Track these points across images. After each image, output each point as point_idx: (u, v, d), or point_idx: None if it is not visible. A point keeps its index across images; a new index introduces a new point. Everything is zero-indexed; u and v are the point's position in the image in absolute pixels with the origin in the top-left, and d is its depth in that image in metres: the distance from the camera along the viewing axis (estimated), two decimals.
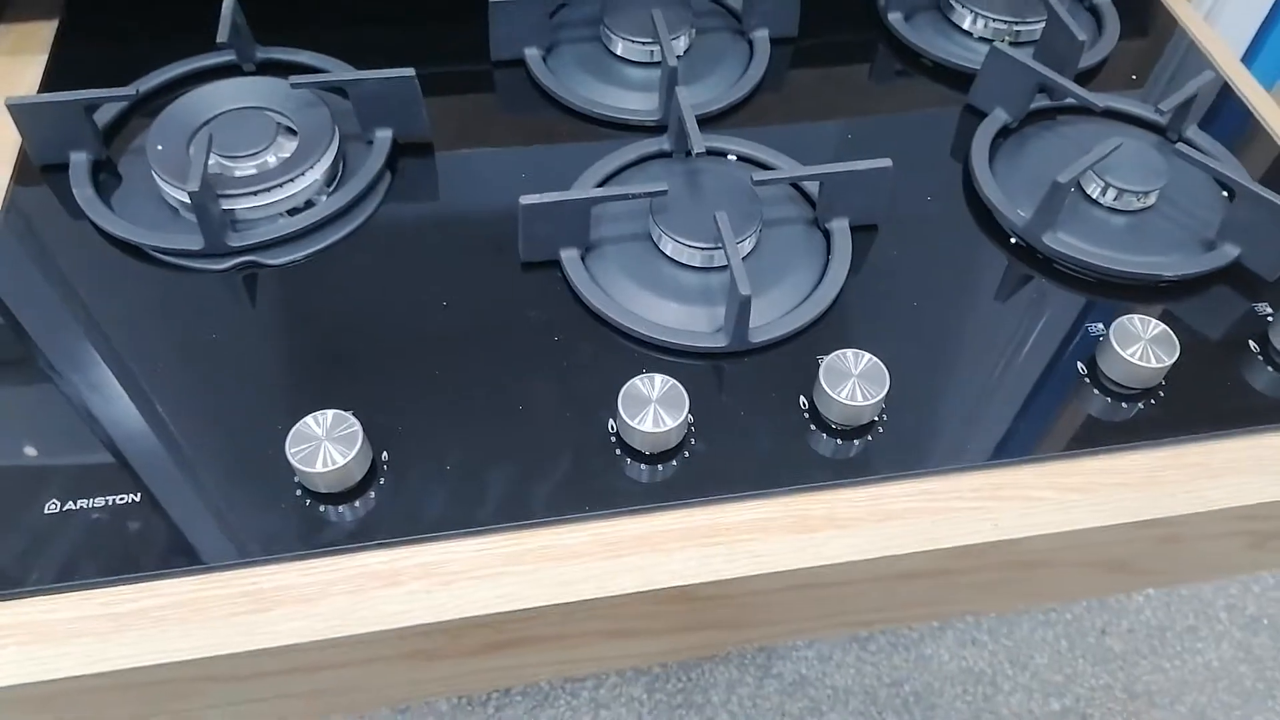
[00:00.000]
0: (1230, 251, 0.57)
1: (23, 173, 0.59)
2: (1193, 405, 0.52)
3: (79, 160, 0.58)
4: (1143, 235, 0.58)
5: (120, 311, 0.54)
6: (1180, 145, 0.58)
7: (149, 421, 0.49)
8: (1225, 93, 0.69)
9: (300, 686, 0.46)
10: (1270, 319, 0.54)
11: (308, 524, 0.46)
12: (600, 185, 0.59)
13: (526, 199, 0.53)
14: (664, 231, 0.55)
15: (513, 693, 1.25)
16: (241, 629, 0.43)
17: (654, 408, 0.48)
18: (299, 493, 0.47)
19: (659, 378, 0.48)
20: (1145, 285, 0.57)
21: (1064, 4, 0.66)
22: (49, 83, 0.65)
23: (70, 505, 0.46)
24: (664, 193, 0.55)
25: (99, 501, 0.46)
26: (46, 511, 0.46)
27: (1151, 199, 0.59)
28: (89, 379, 0.51)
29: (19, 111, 0.56)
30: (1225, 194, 0.60)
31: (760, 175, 0.56)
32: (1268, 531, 0.51)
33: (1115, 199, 0.59)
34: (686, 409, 0.48)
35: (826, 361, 0.50)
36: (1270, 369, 0.54)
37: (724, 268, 0.55)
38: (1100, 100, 0.61)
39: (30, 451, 0.48)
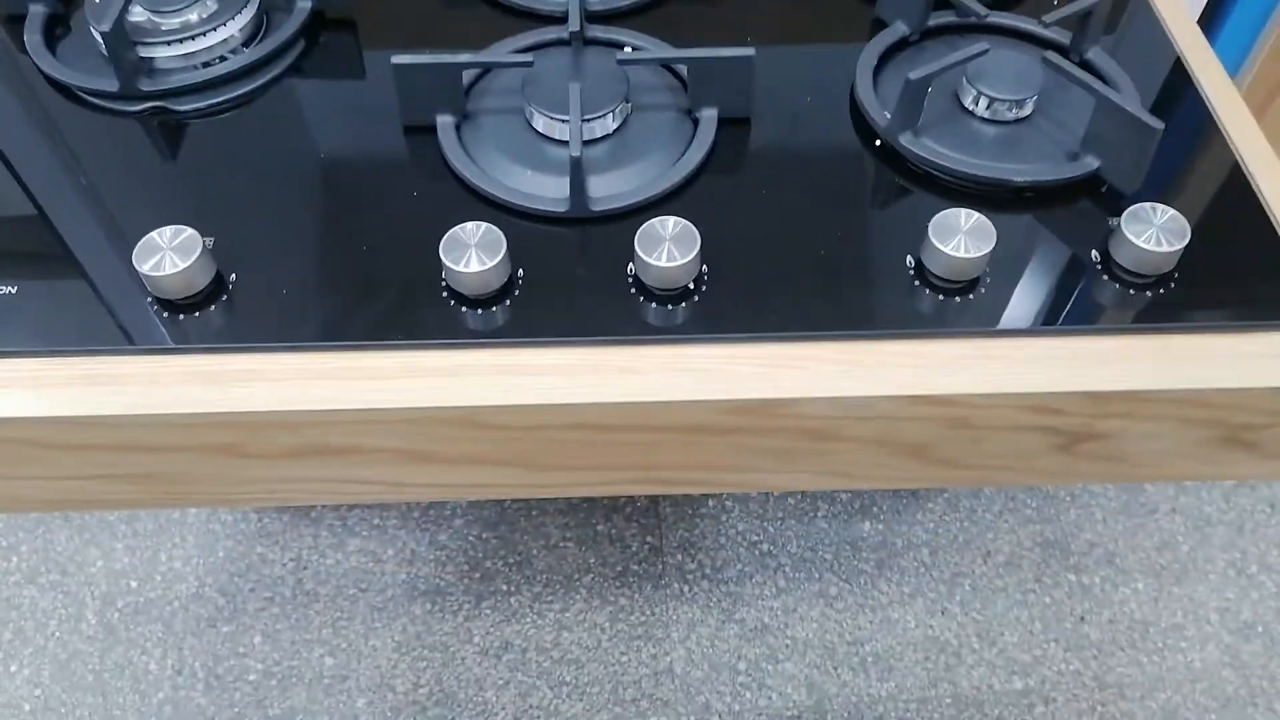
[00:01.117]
0: (1091, 163, 0.56)
1: None
2: (1017, 304, 0.52)
3: (36, 11, 0.65)
4: (1013, 145, 0.58)
5: (44, 140, 0.60)
6: (1050, 54, 0.58)
7: (38, 228, 0.55)
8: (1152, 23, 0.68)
9: (130, 467, 0.52)
10: (1112, 230, 0.54)
11: (152, 325, 0.51)
12: None
13: (399, 59, 0.57)
14: (530, 104, 0.58)
15: (482, 605, 1.30)
16: (74, 400, 0.49)
17: (473, 251, 0.51)
18: (149, 299, 0.52)
19: (475, 224, 0.52)
20: (999, 190, 0.57)
21: None
22: None
23: None
24: (529, 64, 0.58)
25: None
26: None
27: (1026, 109, 0.59)
28: (14, 189, 0.57)
29: None
30: None
31: (625, 57, 0.59)
32: (1072, 431, 0.51)
33: (988, 108, 0.59)
34: (503, 253, 0.51)
35: (643, 228, 0.52)
36: (1106, 278, 0.53)
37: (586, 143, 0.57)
38: (986, 12, 0.61)
39: None
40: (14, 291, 0.53)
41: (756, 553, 1.35)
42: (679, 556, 1.36)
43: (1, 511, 0.51)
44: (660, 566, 1.35)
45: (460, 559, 1.37)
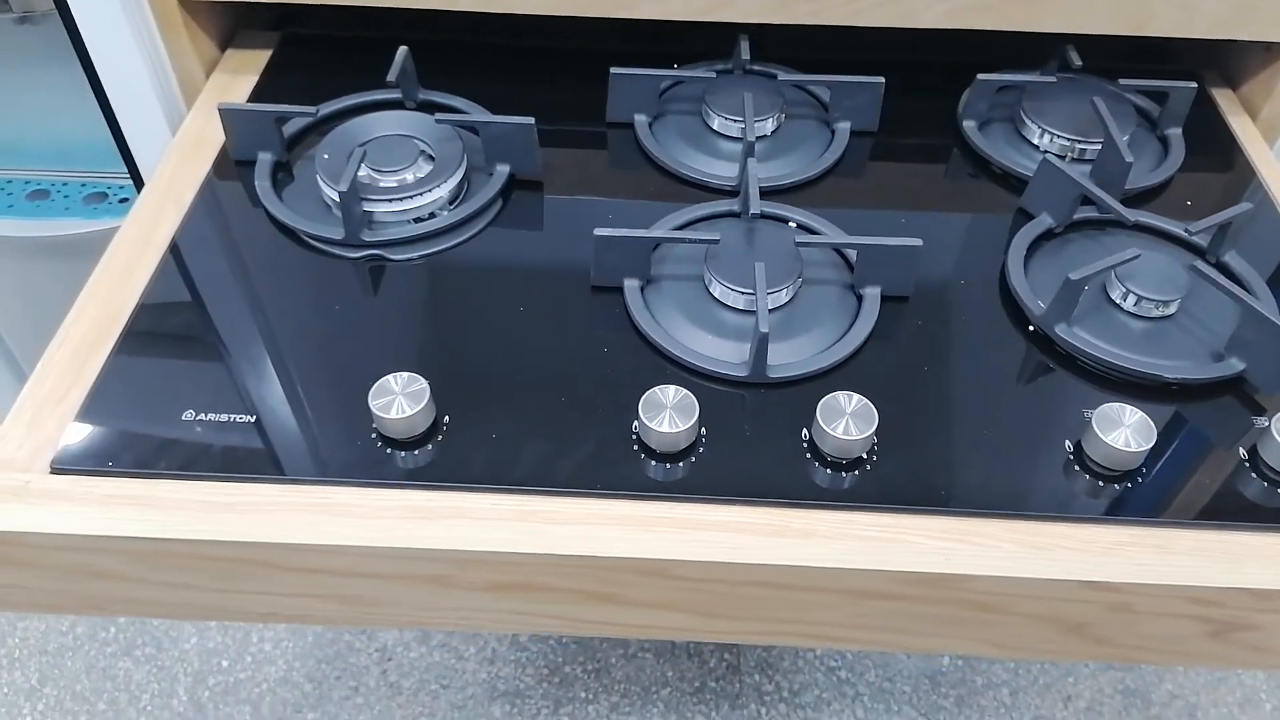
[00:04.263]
0: (1236, 365, 0.61)
1: (221, 164, 0.74)
2: (1170, 494, 0.56)
3: (264, 159, 0.73)
4: (1157, 340, 0.63)
5: (273, 279, 0.67)
6: (1199, 263, 0.63)
7: (274, 362, 0.62)
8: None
9: (342, 589, 0.56)
10: (1262, 430, 0.58)
11: (376, 460, 0.57)
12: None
13: (600, 231, 0.64)
14: (712, 275, 0.64)
15: (560, 712, 1.32)
16: (305, 527, 0.54)
17: (669, 413, 0.56)
18: (374, 435, 0.58)
19: (674, 388, 0.57)
20: (1148, 384, 0.61)
21: (1126, 131, 0.72)
22: (255, 97, 0.81)
23: (201, 416, 0.59)
24: (716, 241, 0.64)
25: (222, 417, 0.59)
26: (183, 418, 0.59)
27: (1171, 309, 0.64)
28: (237, 324, 0.64)
29: (226, 115, 0.72)
30: None
31: (802, 238, 0.65)
32: (1226, 621, 0.54)
33: (1135, 305, 0.64)
34: (696, 417, 0.56)
35: (824, 400, 0.57)
36: (1254, 476, 0.57)
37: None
38: (1131, 215, 0.67)
39: (180, 370, 0.61)
40: (252, 420, 0.59)
41: (835, 679, 1.36)
42: (756, 677, 1.37)
43: (219, 620, 0.56)
44: (738, 685, 1.36)
45: (540, 662, 1.40)
